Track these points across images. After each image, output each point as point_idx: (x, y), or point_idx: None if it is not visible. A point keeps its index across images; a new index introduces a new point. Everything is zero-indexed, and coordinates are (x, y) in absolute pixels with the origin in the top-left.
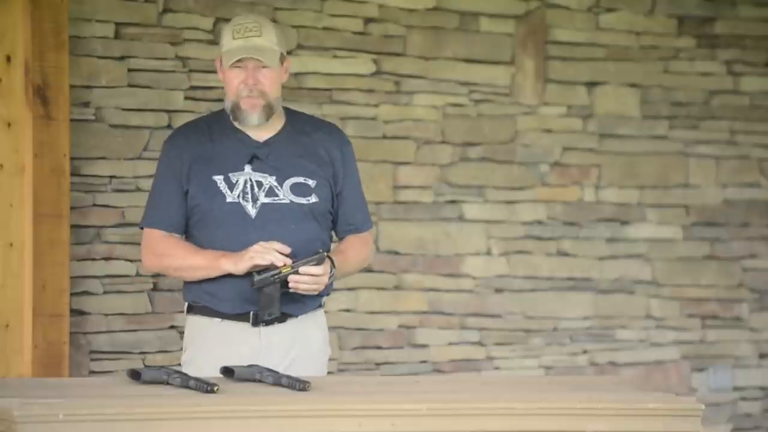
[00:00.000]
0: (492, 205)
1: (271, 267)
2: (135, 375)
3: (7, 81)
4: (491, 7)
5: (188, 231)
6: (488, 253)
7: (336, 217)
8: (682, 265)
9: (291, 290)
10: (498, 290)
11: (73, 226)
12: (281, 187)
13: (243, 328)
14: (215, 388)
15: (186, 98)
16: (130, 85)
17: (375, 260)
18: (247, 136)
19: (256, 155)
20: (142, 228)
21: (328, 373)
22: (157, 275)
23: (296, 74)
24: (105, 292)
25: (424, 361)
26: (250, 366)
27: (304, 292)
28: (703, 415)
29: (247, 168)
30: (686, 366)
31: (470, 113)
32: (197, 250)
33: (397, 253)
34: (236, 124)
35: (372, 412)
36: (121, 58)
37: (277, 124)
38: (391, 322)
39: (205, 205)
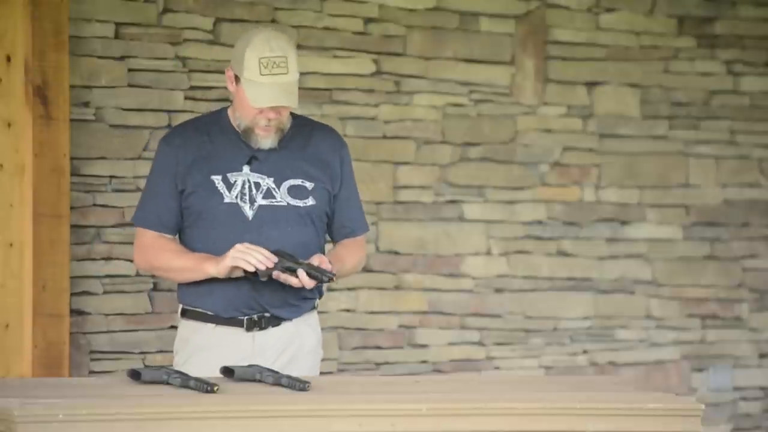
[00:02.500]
0: (492, 205)
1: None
2: (135, 375)
3: (7, 81)
4: (491, 7)
5: (183, 230)
6: (488, 253)
7: (332, 220)
8: (682, 265)
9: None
10: (498, 290)
11: (73, 226)
12: (279, 189)
13: (236, 333)
14: (215, 388)
15: (186, 98)
16: (130, 85)
17: (375, 260)
18: None
19: (255, 156)
20: (133, 224)
21: (329, 373)
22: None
23: None
24: (105, 292)
25: (424, 361)
26: (250, 366)
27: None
28: (703, 415)
29: (246, 169)
30: (686, 366)
31: (470, 113)
32: (183, 252)
33: (397, 253)
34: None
35: (372, 412)
36: (121, 58)
37: None
38: (391, 322)
39: (201, 205)
